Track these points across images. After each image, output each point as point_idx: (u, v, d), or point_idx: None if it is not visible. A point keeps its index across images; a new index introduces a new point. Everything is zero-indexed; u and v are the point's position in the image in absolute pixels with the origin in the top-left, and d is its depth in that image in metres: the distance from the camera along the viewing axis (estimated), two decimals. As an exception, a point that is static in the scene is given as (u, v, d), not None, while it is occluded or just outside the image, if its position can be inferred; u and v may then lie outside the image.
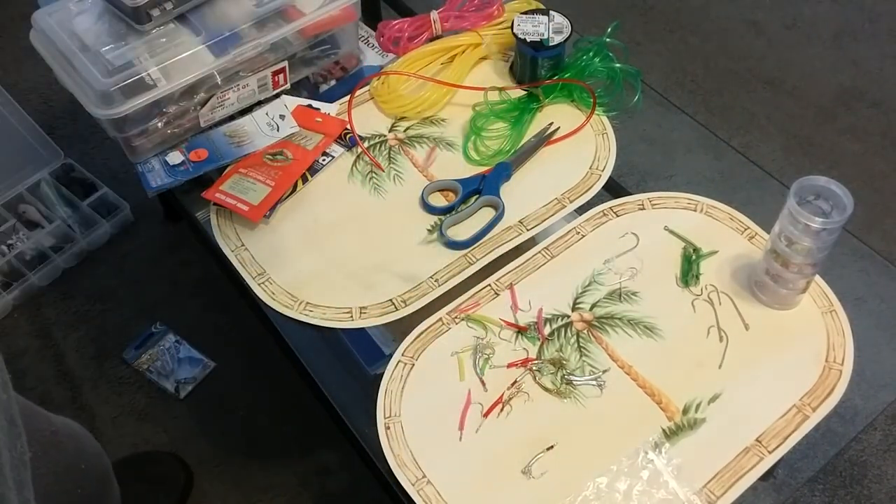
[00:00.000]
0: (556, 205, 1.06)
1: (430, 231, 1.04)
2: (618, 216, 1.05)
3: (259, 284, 1.00)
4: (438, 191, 1.09)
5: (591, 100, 1.15)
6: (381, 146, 1.14)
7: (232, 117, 1.15)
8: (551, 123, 1.14)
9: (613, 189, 1.10)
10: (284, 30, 1.11)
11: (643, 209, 1.06)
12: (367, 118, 1.17)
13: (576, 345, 0.94)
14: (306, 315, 0.97)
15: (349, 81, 1.24)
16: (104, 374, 1.40)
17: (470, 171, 1.10)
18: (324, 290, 0.99)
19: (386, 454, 0.86)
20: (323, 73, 1.25)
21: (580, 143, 1.13)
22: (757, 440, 0.86)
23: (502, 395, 0.90)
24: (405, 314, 0.96)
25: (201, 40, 1.07)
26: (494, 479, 0.84)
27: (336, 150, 1.13)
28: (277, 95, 1.18)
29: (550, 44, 1.12)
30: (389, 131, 1.16)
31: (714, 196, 1.06)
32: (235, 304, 1.43)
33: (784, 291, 0.93)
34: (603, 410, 0.89)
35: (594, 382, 0.91)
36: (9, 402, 0.64)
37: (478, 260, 1.01)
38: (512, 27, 1.14)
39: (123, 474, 1.09)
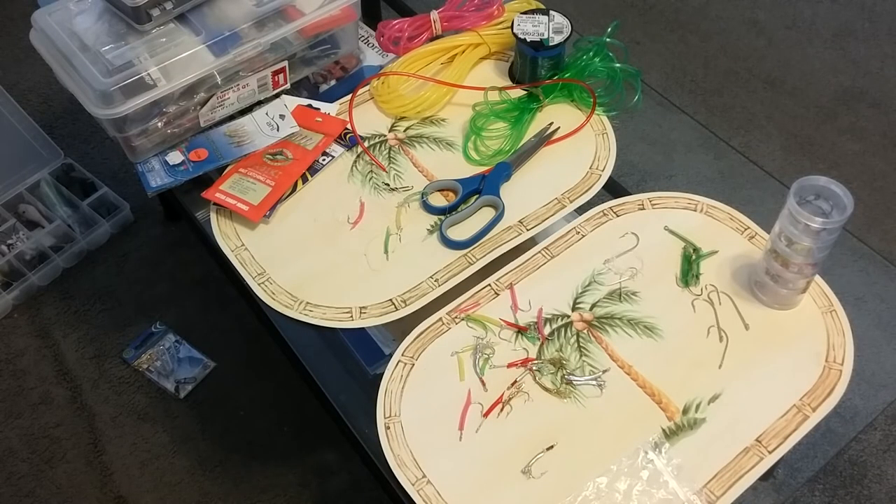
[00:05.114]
0: (556, 205, 1.06)
1: (430, 231, 1.04)
2: (618, 216, 1.05)
3: (259, 284, 1.00)
4: (438, 191, 1.09)
5: (591, 100, 1.15)
6: (381, 146, 1.14)
7: (232, 117, 1.15)
8: (551, 123, 1.14)
9: (613, 189, 1.10)
10: (284, 30, 1.11)
11: (643, 209, 1.06)
12: (367, 118, 1.17)
13: (576, 345, 0.94)
14: (306, 315, 0.97)
15: (349, 81, 1.24)
16: (104, 374, 1.40)
17: (470, 171, 1.10)
18: (324, 290, 0.99)
19: (386, 454, 0.86)
20: (323, 73, 1.25)
21: (580, 143, 1.13)
22: (757, 440, 0.86)
23: (502, 395, 0.90)
24: (405, 314, 0.96)
25: (201, 40, 1.07)
26: (494, 479, 0.84)
27: (336, 149, 1.13)
28: (277, 95, 1.18)
29: (550, 44, 1.12)
30: (389, 131, 1.16)
31: (714, 196, 1.06)
32: (235, 304, 1.43)
33: (784, 291, 0.93)
34: (603, 410, 0.89)
35: (594, 382, 0.91)
36: None
37: (478, 260, 1.01)
38: (512, 27, 1.14)
39: None
